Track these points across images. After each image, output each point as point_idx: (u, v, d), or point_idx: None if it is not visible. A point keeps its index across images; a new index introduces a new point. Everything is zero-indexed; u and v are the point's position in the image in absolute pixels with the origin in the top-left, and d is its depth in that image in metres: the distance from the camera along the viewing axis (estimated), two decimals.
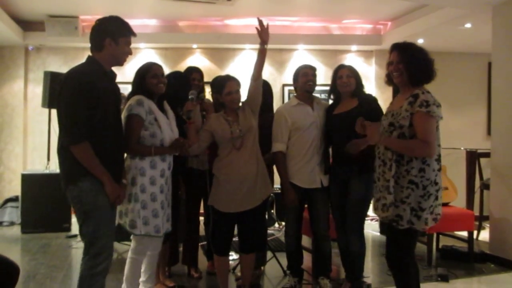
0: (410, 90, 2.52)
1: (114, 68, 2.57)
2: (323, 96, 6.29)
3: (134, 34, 2.52)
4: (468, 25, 5.45)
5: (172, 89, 3.16)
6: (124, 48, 2.48)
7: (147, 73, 2.91)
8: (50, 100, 5.53)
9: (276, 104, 6.53)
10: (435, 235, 4.54)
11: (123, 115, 2.76)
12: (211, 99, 4.16)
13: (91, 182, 2.34)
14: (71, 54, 6.57)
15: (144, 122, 2.79)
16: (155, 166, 2.83)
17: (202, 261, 4.10)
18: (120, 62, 2.52)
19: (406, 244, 2.52)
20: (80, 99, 2.28)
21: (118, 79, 2.64)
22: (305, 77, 3.42)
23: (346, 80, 3.30)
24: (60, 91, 2.34)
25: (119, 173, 2.57)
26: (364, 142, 2.74)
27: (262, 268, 3.84)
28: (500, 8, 4.43)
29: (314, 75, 3.46)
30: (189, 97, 3.23)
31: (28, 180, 5.52)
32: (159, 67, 2.98)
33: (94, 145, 2.33)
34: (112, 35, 2.42)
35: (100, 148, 2.36)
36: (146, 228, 2.79)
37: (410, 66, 2.52)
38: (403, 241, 2.52)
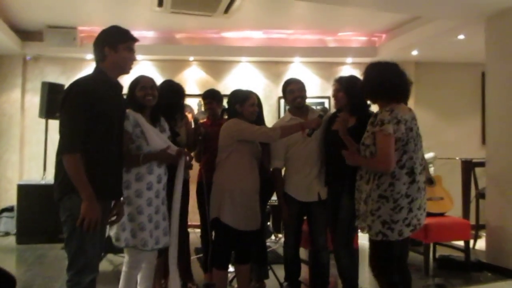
0: (382, 106, 2.65)
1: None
2: (318, 108, 6.33)
3: (134, 40, 2.49)
4: (461, 37, 5.53)
5: (164, 99, 3.18)
6: (125, 54, 2.43)
7: (136, 85, 2.93)
8: (47, 110, 5.55)
9: (272, 116, 6.68)
10: (431, 245, 4.55)
11: None
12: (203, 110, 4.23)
13: None
14: (69, 65, 6.58)
15: (131, 136, 2.80)
16: (141, 178, 2.82)
17: (199, 273, 4.09)
18: (125, 70, 2.48)
19: (384, 254, 2.62)
20: (81, 108, 2.25)
21: None
22: (292, 95, 3.43)
23: (334, 95, 3.30)
24: (62, 100, 2.32)
25: (119, 188, 2.54)
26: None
27: (264, 282, 3.82)
28: (492, 19, 4.51)
29: (301, 89, 3.45)
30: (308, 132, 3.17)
31: (24, 190, 5.50)
32: (148, 79, 2.99)
33: (97, 157, 2.30)
34: (110, 43, 2.40)
35: (103, 160, 2.33)
36: (133, 240, 2.77)
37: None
38: (380, 252, 2.63)
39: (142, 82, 2.94)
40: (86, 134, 2.26)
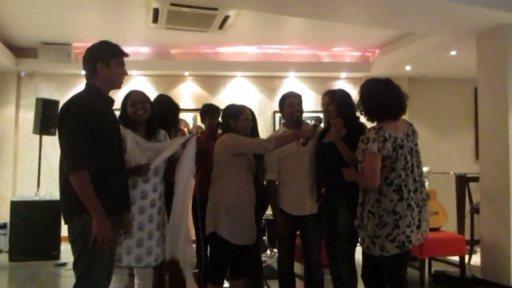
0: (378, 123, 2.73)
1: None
2: (313, 122, 6.35)
3: (125, 55, 2.49)
4: (453, 53, 5.60)
5: (158, 114, 3.18)
6: (117, 70, 2.44)
7: (126, 101, 2.93)
8: (41, 126, 5.54)
9: (267, 131, 6.69)
10: (427, 260, 4.54)
11: None
12: (202, 125, 4.31)
13: None
14: (63, 81, 6.60)
15: None
16: None
17: None
18: (117, 85, 2.49)
19: (371, 267, 2.74)
20: (83, 125, 2.25)
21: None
22: (291, 108, 3.43)
23: (325, 108, 3.33)
24: (62, 119, 2.31)
25: (127, 201, 2.53)
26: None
27: None
28: (483, 36, 4.56)
29: (300, 103, 3.48)
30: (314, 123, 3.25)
31: (18, 207, 5.45)
32: (138, 94, 2.98)
33: (102, 173, 2.29)
34: (102, 59, 2.40)
35: (108, 175, 2.33)
36: None
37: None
38: (367, 264, 2.77)
39: (131, 98, 2.94)
40: (90, 150, 2.25)
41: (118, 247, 2.72)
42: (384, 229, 2.59)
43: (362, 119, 3.10)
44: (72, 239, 2.30)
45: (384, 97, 2.66)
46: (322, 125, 3.48)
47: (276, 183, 3.48)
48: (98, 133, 2.28)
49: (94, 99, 2.36)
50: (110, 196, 2.31)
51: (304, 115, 3.58)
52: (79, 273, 2.28)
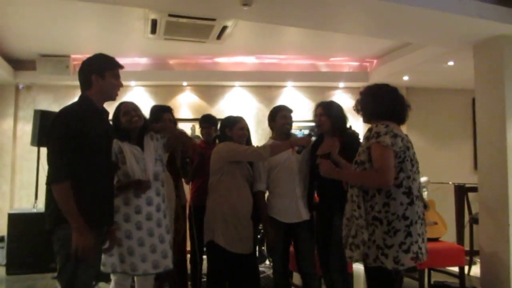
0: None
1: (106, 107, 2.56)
2: (308, 131, 6.35)
3: (120, 66, 2.51)
4: (451, 63, 5.61)
5: (154, 122, 3.24)
6: (112, 81, 2.46)
7: (119, 113, 2.95)
8: (39, 138, 5.52)
9: (265, 140, 6.61)
10: (426, 270, 4.52)
11: None
12: (200, 135, 4.41)
13: None
14: (61, 92, 6.60)
15: (117, 163, 2.81)
16: (129, 202, 2.81)
17: None
18: (112, 96, 2.50)
19: (381, 285, 2.44)
20: (68, 137, 2.25)
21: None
22: (284, 119, 3.53)
23: (318, 119, 3.39)
24: (49, 129, 2.33)
25: (111, 214, 2.53)
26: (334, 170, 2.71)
27: None
28: (480, 47, 4.58)
29: (291, 118, 3.59)
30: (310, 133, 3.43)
31: (15, 220, 5.42)
32: (128, 103, 3.01)
33: (87, 185, 2.29)
34: (96, 71, 2.42)
35: (93, 188, 2.33)
36: (122, 266, 2.73)
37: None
38: (376, 282, 2.46)
39: (123, 108, 2.96)
40: (74, 162, 2.25)
41: (131, 257, 2.74)
42: (395, 237, 2.32)
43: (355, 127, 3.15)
44: (55, 250, 2.31)
45: (387, 99, 2.58)
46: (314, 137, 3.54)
47: (266, 194, 3.50)
48: (83, 145, 2.28)
49: (83, 111, 2.36)
50: (92, 209, 2.31)
51: (303, 124, 3.65)
52: (63, 284, 2.28)
